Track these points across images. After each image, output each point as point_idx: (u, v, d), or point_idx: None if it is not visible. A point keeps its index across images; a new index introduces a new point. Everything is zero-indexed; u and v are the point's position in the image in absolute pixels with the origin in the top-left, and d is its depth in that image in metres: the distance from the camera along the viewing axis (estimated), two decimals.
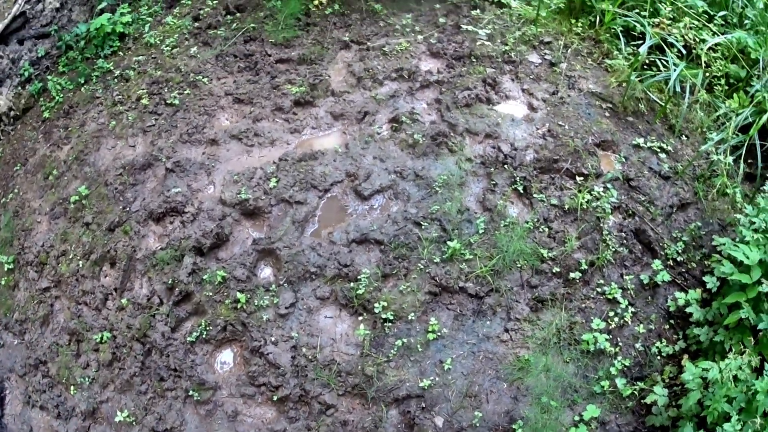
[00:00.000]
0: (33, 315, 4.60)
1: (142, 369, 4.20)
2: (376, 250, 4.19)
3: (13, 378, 4.63)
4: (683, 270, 4.28)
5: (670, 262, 4.21)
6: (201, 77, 5.17)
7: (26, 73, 5.65)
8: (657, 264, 4.15)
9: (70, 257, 4.61)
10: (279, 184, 4.44)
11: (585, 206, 4.28)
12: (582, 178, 4.45)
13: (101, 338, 4.31)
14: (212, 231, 4.31)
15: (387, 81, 5.00)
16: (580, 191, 4.33)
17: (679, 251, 4.23)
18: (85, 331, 4.39)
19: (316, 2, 5.57)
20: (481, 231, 4.18)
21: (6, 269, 4.82)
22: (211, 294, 4.17)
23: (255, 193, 4.42)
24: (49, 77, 5.62)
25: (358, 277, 4.06)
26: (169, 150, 4.74)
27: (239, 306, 4.10)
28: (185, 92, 5.08)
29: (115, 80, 5.42)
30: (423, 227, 4.21)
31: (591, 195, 4.32)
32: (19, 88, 5.64)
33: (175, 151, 4.74)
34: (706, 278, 3.89)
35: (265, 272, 4.27)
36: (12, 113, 5.61)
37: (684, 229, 4.36)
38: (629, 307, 4.01)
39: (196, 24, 5.73)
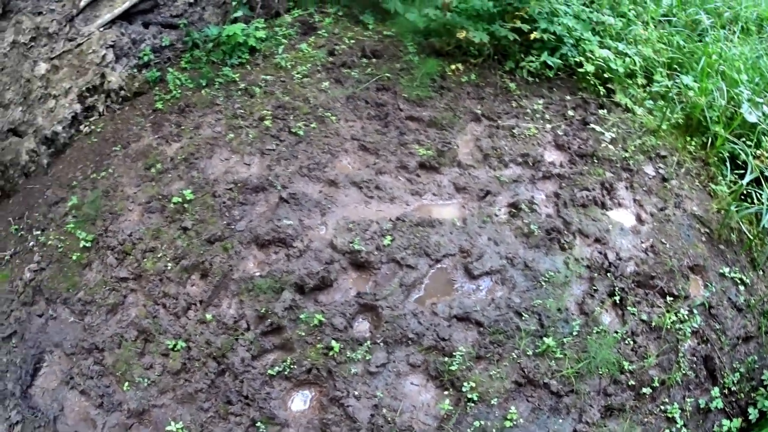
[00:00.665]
0: (101, 300, 5.45)
1: (210, 387, 5.07)
2: (475, 331, 5.15)
3: (57, 353, 5.35)
4: (733, 399, 5.35)
5: (726, 391, 5.19)
6: (330, 114, 6.28)
7: (146, 58, 6.71)
8: (715, 391, 5.17)
9: (159, 256, 5.54)
10: (393, 244, 5.43)
11: (669, 326, 5.28)
12: (671, 299, 5.55)
13: (174, 345, 5.19)
14: (318, 273, 5.30)
15: (512, 164, 6.17)
16: (668, 311, 5.34)
17: (735, 381, 5.23)
18: (157, 333, 5.28)
19: (453, 67, 6.87)
20: (574, 333, 5.19)
21: (81, 246, 5.61)
22: (303, 334, 5.11)
23: (368, 246, 5.42)
24: (170, 69, 6.69)
25: (453, 353, 4.99)
26: (285, 179, 5.76)
27: (330, 353, 4.97)
28: (311, 125, 6.17)
29: (239, 92, 6.50)
30: (523, 318, 5.20)
31: (677, 317, 5.33)
32: (135, 70, 6.69)
33: (291, 182, 5.76)
34: (750, 409, 5.05)
35: (363, 326, 5.19)
36: (122, 93, 6.62)
37: (743, 360, 5.36)
38: (683, 428, 4.92)
39: (331, 59, 6.94)
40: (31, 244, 5.85)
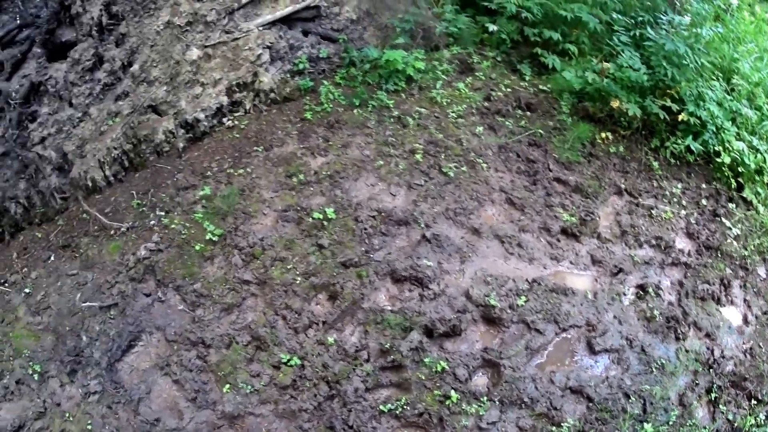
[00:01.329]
0: (218, 297, 6.50)
1: (315, 409, 6.01)
2: (585, 405, 6.11)
3: (157, 336, 6.26)
4: None
5: None
6: (481, 161, 7.33)
7: (301, 66, 7.89)
8: None
9: (288, 267, 6.57)
10: (526, 305, 6.39)
11: (747, 429, 6.38)
12: (755, 402, 6.57)
13: (288, 360, 6.17)
14: (450, 320, 6.22)
15: (646, 245, 7.30)
16: (750, 414, 6.39)
17: None
18: (273, 343, 6.34)
19: (603, 135, 8.01)
20: (670, 422, 6.18)
21: (207, 238, 6.62)
22: (424, 378, 6.01)
23: (502, 302, 6.35)
24: (324, 82, 7.83)
25: (561, 424, 5.93)
26: (430, 218, 6.75)
27: (447, 402, 5.90)
28: (462, 168, 7.21)
29: (392, 120, 7.62)
30: (630, 400, 6.22)
31: (755, 420, 6.36)
32: (288, 75, 7.86)
33: (435, 222, 6.76)
34: None
35: (481, 381, 6.10)
36: (272, 95, 7.78)
37: None
38: None
39: (486, 104, 8.07)
40: (152, 222, 6.91)
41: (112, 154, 7.36)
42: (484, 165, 7.32)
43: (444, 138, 7.50)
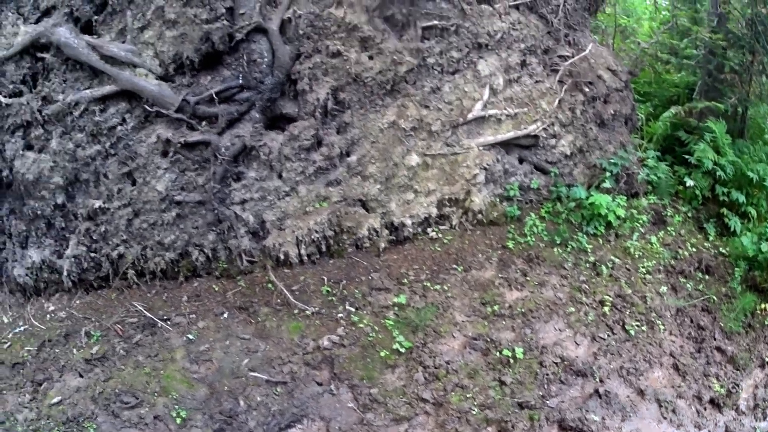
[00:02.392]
0: (392, 406, 6.66)
1: None
2: None
3: (319, 425, 6.60)
4: None
5: None
6: (660, 322, 7.55)
7: (511, 192, 8.31)
8: None
9: (467, 396, 6.76)
10: None
11: None
12: None
13: None
14: None
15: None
16: None
17: None
18: None
19: (762, 306, 8.18)
20: None
21: (395, 347, 7.01)
22: None
23: None
24: (531, 214, 8.26)
25: None
26: (605, 373, 6.97)
27: None
28: (642, 327, 7.42)
29: (587, 265, 7.93)
30: None
31: None
32: (497, 199, 8.31)
33: (609, 378, 6.97)
34: None
35: None
36: (479, 216, 8.22)
37: None
38: None
39: (673, 262, 8.32)
40: (340, 315, 7.34)
41: (312, 236, 7.82)
42: (662, 327, 7.66)
43: (632, 293, 7.83)
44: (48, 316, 7.27)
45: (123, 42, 7.63)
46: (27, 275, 7.75)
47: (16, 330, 7.13)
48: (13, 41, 7.59)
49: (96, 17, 7.70)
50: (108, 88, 7.58)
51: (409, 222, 8.13)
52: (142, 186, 7.64)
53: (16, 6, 7.67)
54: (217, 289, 7.62)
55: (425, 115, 8.29)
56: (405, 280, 7.62)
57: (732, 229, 9.04)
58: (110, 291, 7.55)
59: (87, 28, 7.72)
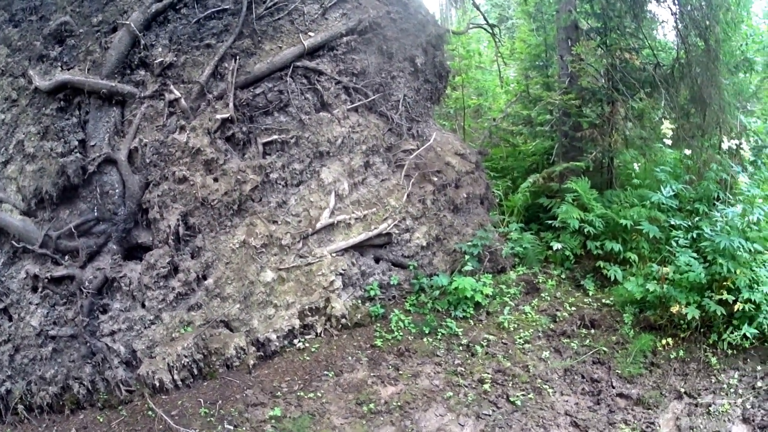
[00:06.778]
0: None
1: None
2: None
3: None
4: None
5: None
6: (547, 387, 8.12)
7: (372, 292, 9.00)
8: None
9: None
10: None
11: None
12: None
13: None
14: None
15: None
16: None
17: None
18: None
19: (663, 342, 8.75)
20: None
21: None
22: None
23: None
24: (395, 310, 8.91)
25: None
26: None
27: None
28: (528, 395, 8.00)
29: (460, 348, 8.56)
30: None
31: None
32: (359, 301, 8.97)
33: None
34: None
35: None
36: (343, 320, 8.84)
37: None
38: None
39: (552, 326, 9.01)
40: None
41: (182, 361, 8.40)
42: (550, 390, 8.18)
43: (512, 366, 8.44)
44: None
45: None
46: None
47: None
48: None
49: None
50: None
51: (273, 336, 8.81)
52: (18, 322, 8.33)
53: None
54: (101, 420, 8.12)
55: (274, 230, 9.11)
56: (279, 393, 8.20)
57: (612, 278, 9.89)
58: (5, 426, 8.04)
59: None
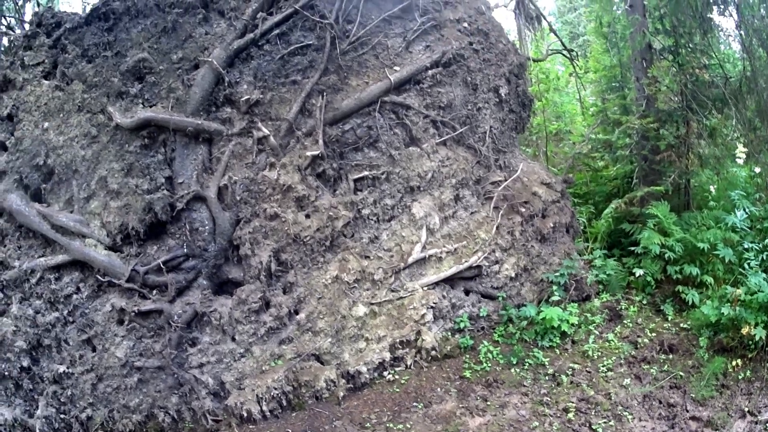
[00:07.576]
0: None
1: None
2: None
3: None
4: None
5: None
6: (627, 413, 8.45)
7: (461, 324, 9.48)
8: None
9: None
10: None
11: None
12: None
13: None
14: None
15: None
16: None
17: None
18: None
19: (733, 363, 8.95)
20: None
21: None
22: None
23: None
24: (484, 341, 9.31)
25: None
26: None
27: None
28: (609, 422, 8.32)
29: (546, 378, 8.96)
30: None
31: None
32: (449, 333, 9.43)
33: None
34: None
35: None
36: (433, 352, 9.30)
37: None
38: None
39: (633, 352, 9.32)
40: None
41: (272, 393, 8.85)
42: (630, 417, 8.49)
43: (595, 394, 8.79)
44: None
45: (71, 212, 8.99)
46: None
47: None
48: None
49: (44, 185, 9.10)
50: (61, 257, 8.95)
51: (364, 369, 9.27)
52: (102, 353, 8.84)
53: None
54: None
55: (366, 266, 9.55)
56: (368, 424, 8.60)
57: (690, 302, 10.08)
58: None
59: (36, 195, 9.15)
